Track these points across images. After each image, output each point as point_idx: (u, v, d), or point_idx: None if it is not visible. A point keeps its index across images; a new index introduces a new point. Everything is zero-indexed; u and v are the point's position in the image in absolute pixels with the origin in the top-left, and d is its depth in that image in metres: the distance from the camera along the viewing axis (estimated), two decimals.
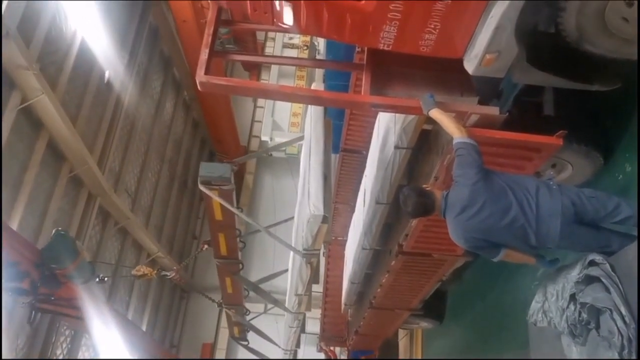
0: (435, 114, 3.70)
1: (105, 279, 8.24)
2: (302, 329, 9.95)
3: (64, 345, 10.01)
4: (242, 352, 16.69)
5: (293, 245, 7.20)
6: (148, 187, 13.24)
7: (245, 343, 11.93)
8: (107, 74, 10.24)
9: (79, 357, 10.43)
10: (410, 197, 3.62)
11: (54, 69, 8.49)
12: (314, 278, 7.52)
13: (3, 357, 7.07)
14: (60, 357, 9.82)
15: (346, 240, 10.18)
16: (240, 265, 8.29)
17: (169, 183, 14.71)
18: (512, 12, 3.11)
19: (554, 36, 3.45)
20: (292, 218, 8.30)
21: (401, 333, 12.00)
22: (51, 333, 9.36)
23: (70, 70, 8.80)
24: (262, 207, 17.36)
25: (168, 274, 8.77)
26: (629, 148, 4.66)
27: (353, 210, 9.00)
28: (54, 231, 6.93)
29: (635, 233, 3.43)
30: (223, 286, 8.87)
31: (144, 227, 12.66)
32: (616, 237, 3.46)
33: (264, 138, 15.88)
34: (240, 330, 11.53)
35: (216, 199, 6.24)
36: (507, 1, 3.01)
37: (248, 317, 10.58)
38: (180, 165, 15.34)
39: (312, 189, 5.77)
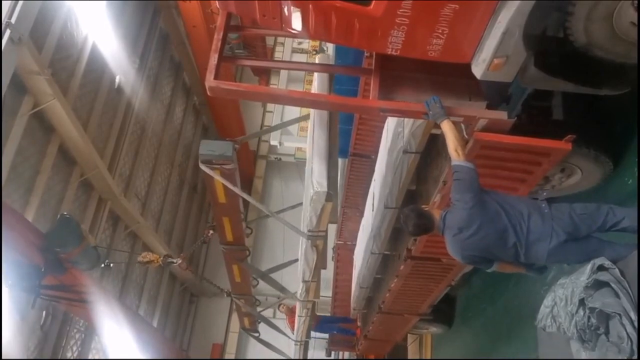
0: (445, 126, 3.71)
1: (111, 265, 8.23)
2: (312, 320, 9.88)
3: (74, 349, 10.08)
4: (251, 355, 16.77)
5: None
6: (158, 192, 13.33)
7: (257, 335, 11.99)
8: (117, 79, 10.35)
9: (89, 358, 10.50)
10: (409, 217, 3.78)
11: (66, 74, 8.59)
12: (321, 263, 7.31)
13: (8, 358, 7.10)
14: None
15: (355, 245, 10.18)
16: (247, 252, 8.15)
17: (179, 187, 14.80)
18: (520, 17, 3.11)
19: (562, 41, 3.45)
20: (301, 204, 8.24)
21: (410, 338, 11.95)
22: (62, 336, 9.44)
23: (81, 75, 8.91)
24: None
25: (174, 260, 8.73)
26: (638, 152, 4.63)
27: (362, 215, 9.00)
28: (59, 215, 6.86)
29: (632, 241, 3.52)
30: (231, 275, 8.82)
31: (153, 231, 12.74)
32: (608, 247, 3.57)
33: (272, 142, 15.95)
34: (251, 322, 11.54)
35: (218, 178, 5.89)
36: (515, 5, 3.01)
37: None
38: (190, 169, 15.43)
39: (315, 165, 5.49)
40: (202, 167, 5.79)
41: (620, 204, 4.57)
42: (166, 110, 13.36)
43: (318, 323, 11.85)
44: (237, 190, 6.16)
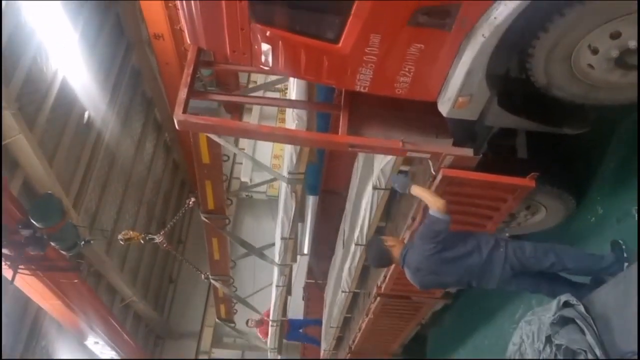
0: (415, 190, 4.05)
1: (92, 241, 8.31)
2: (288, 291, 9.45)
3: None
4: None
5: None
6: (125, 229, 12.98)
7: (233, 325, 12.02)
8: (86, 114, 10.24)
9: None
10: (371, 248, 4.28)
11: (33, 108, 8.45)
12: (299, 215, 7.18)
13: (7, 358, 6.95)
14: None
15: (325, 284, 10.09)
16: (227, 221, 8.27)
17: (147, 224, 14.48)
18: (483, 57, 3.20)
19: (524, 81, 3.56)
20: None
21: None
22: None
23: (49, 110, 8.76)
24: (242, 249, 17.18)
25: (155, 237, 8.64)
26: (600, 191, 4.76)
27: (333, 253, 8.97)
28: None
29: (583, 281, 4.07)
30: (210, 251, 8.82)
31: (119, 270, 12.39)
32: (545, 284, 4.03)
33: (243, 179, 15.84)
34: (227, 311, 11.27)
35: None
36: (478, 45, 3.11)
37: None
38: (159, 206, 15.18)
39: (296, 96, 5.25)
40: None
41: (584, 241, 4.69)
42: (136, 146, 13.21)
43: (289, 330, 11.66)
44: (221, 141, 6.08)
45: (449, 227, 3.88)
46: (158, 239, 8.59)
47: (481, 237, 4.13)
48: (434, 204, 3.85)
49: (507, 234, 4.22)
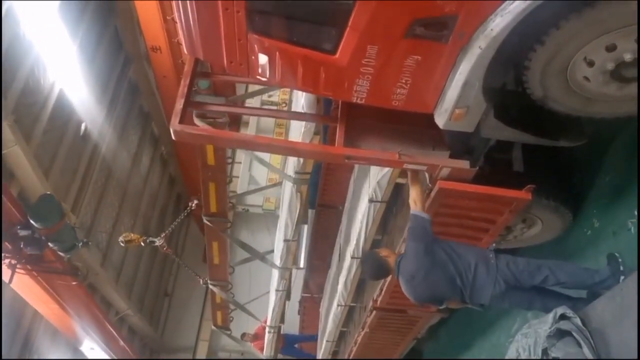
0: (412, 178, 4.07)
1: (89, 243, 8.32)
2: (288, 296, 9.23)
3: None
4: None
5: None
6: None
7: (229, 332, 11.83)
8: (83, 127, 10.23)
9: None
10: (366, 262, 4.32)
11: (30, 120, 8.43)
12: (303, 216, 7.14)
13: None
14: None
15: (321, 298, 10.04)
16: (229, 224, 8.18)
17: None
18: (479, 70, 3.21)
19: (520, 94, 3.57)
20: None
21: None
22: None
23: (46, 122, 8.75)
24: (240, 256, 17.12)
25: (156, 240, 8.61)
26: (596, 204, 4.76)
27: (329, 267, 8.94)
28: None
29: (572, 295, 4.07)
30: (210, 256, 8.73)
31: (114, 283, 12.30)
32: (539, 300, 4.02)
33: (240, 192, 15.85)
34: (224, 318, 11.23)
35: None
36: (475, 57, 3.12)
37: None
38: (155, 220, 15.11)
39: (305, 106, 5.11)
40: (196, 121, 5.81)
41: (580, 253, 4.68)
42: (132, 159, 13.17)
43: (284, 345, 11.53)
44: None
45: (431, 225, 3.99)
46: (158, 242, 8.58)
47: (472, 247, 4.21)
48: (412, 202, 4.01)
49: (493, 244, 4.23)
